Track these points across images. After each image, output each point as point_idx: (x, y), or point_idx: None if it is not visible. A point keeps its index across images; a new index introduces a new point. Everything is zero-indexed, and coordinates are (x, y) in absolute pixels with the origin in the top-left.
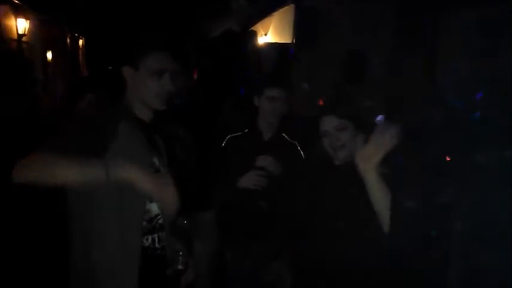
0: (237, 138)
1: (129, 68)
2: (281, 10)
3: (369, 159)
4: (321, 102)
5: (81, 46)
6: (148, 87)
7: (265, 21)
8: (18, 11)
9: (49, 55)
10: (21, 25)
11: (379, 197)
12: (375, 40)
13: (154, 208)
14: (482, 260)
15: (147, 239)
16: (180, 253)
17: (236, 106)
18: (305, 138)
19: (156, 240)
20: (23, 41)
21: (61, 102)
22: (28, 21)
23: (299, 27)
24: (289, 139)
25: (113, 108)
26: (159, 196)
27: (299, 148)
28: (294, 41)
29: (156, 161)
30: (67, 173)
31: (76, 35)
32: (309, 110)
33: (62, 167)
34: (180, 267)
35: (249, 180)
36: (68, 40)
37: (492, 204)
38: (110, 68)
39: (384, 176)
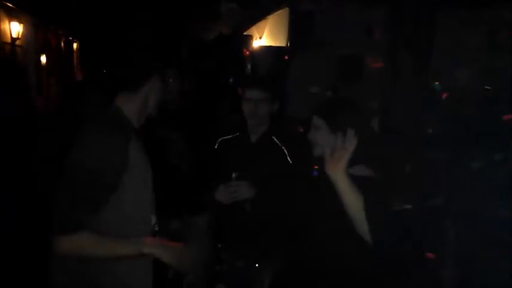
0: (227, 141)
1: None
2: (276, 13)
3: (335, 166)
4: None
5: (75, 50)
6: (158, 95)
7: (260, 24)
8: (12, 15)
9: (43, 59)
10: (15, 29)
11: (353, 201)
12: (370, 42)
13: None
14: (476, 262)
15: None
16: None
17: (231, 109)
18: (296, 140)
19: None
20: (17, 45)
21: (55, 106)
22: (22, 24)
23: (294, 30)
24: (277, 142)
25: (111, 114)
26: (181, 268)
27: (285, 151)
28: (288, 44)
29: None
30: (108, 254)
31: (70, 38)
32: (303, 112)
33: (103, 252)
34: None
35: (221, 196)
36: (62, 44)
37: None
38: (105, 71)
39: (369, 179)
